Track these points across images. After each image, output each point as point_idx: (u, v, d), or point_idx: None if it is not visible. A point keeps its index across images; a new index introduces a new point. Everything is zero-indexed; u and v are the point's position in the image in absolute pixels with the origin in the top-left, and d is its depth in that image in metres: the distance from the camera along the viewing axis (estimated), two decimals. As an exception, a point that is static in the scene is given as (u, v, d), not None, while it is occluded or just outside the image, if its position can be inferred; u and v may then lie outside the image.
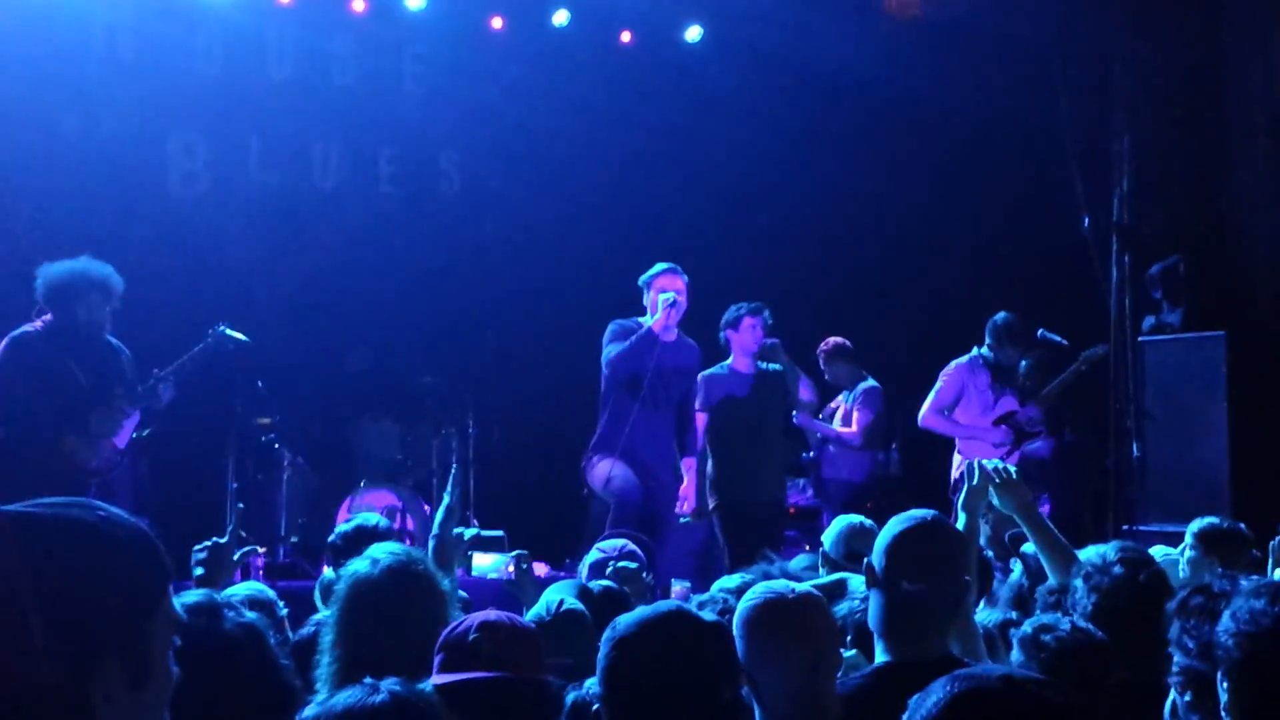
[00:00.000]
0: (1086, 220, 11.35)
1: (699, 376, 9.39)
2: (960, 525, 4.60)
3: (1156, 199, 11.32)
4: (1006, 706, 1.78)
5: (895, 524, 3.99)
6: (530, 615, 4.56)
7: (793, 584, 3.71)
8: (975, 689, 1.79)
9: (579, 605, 4.66)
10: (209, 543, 4.33)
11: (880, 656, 3.93)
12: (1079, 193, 11.37)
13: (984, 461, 5.00)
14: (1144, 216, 11.28)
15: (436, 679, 3.15)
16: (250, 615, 2.93)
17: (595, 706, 2.83)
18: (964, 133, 12.37)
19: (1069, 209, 11.49)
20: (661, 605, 3.09)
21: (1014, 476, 4.96)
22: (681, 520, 9.61)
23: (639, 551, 6.28)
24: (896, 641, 3.86)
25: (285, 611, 5.39)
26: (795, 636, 3.35)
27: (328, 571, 6.20)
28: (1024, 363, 10.65)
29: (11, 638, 1.67)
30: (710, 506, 9.40)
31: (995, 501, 5.01)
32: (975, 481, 4.88)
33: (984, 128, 12.20)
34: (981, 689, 1.79)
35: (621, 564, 5.84)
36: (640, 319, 9.17)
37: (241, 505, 4.51)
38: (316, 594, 5.80)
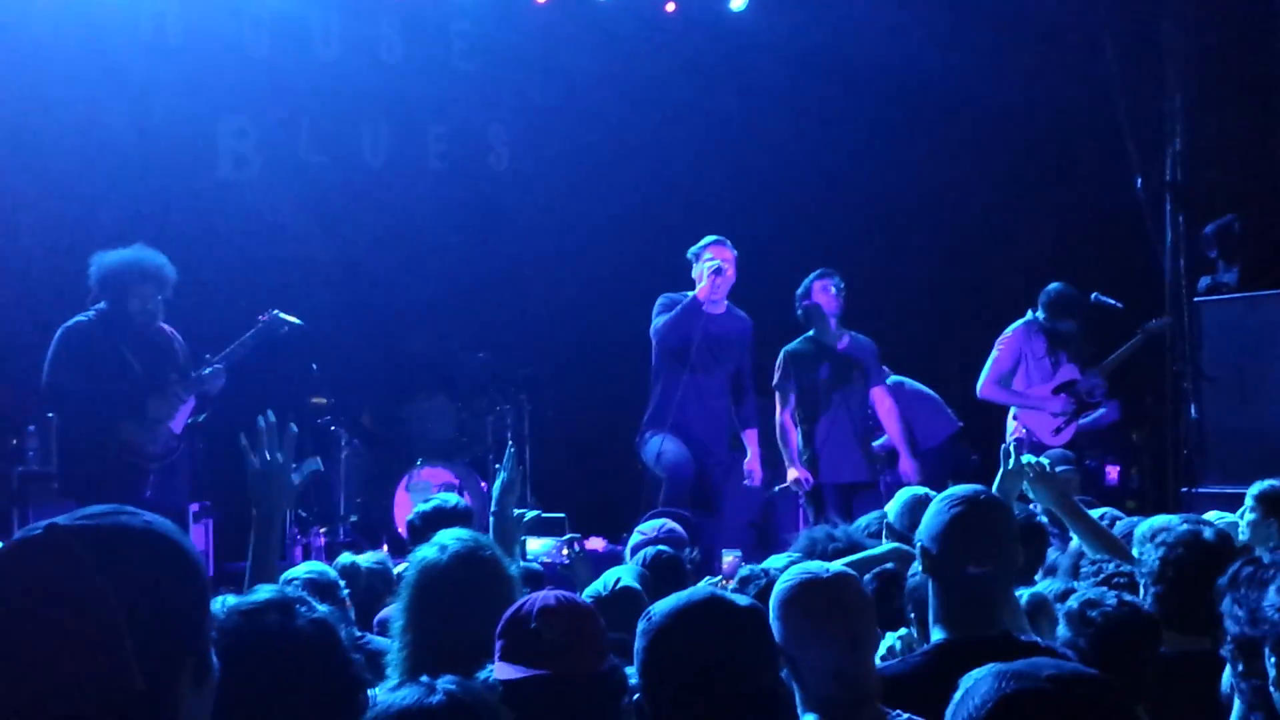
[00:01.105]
0: (1139, 180, 11.24)
1: (781, 352, 9.31)
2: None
3: (1210, 157, 11.20)
4: (1054, 710, 1.76)
5: (945, 505, 3.97)
6: (588, 592, 4.59)
7: (835, 564, 3.73)
8: (1023, 691, 1.77)
9: (636, 585, 4.70)
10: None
11: (937, 635, 3.95)
12: (1131, 152, 11.25)
13: (1025, 456, 5.01)
14: (1198, 175, 11.16)
15: (499, 671, 3.17)
16: (322, 609, 2.93)
17: (636, 696, 2.83)
18: (1014, 95, 12.25)
19: (1121, 169, 11.38)
20: (696, 592, 3.08)
21: (1048, 470, 4.96)
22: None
23: (679, 529, 6.30)
24: (958, 624, 3.87)
25: (346, 592, 5.44)
26: (832, 615, 3.35)
27: (344, 556, 6.22)
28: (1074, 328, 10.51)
29: (103, 652, 1.69)
30: (807, 487, 9.22)
31: (1030, 494, 5.02)
32: (1012, 465, 4.89)
33: (1034, 88, 12.08)
34: (1029, 691, 1.77)
35: (659, 549, 5.81)
36: (689, 292, 9.17)
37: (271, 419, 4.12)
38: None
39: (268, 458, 4.11)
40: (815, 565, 3.64)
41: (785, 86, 12.59)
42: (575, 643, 3.19)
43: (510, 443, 6.08)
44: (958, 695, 2.84)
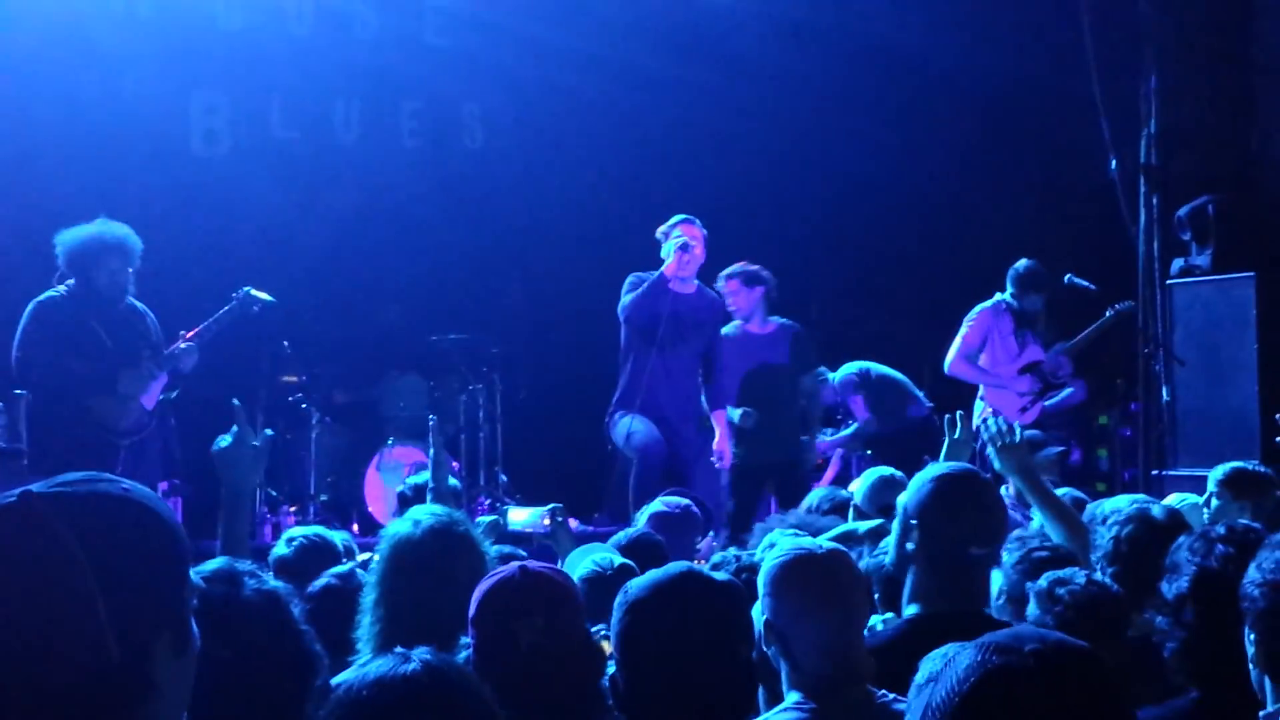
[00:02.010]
0: (1114, 162, 11.27)
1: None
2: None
3: (1185, 140, 11.22)
4: (1039, 683, 1.72)
5: (942, 484, 3.99)
6: (586, 571, 4.56)
7: (821, 540, 3.73)
8: (1008, 666, 1.73)
9: (630, 562, 4.71)
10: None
11: (910, 609, 3.97)
12: (1106, 134, 11.27)
13: (988, 420, 5.03)
14: (1172, 157, 11.18)
15: (474, 661, 3.12)
16: (273, 583, 2.91)
17: (611, 672, 2.82)
18: (989, 75, 12.26)
19: (1096, 151, 11.40)
20: (672, 567, 3.06)
21: (1018, 438, 4.97)
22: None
23: (697, 514, 6.33)
24: (941, 601, 3.90)
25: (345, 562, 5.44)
26: (825, 591, 3.34)
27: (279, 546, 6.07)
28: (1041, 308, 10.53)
29: (77, 621, 1.67)
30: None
31: (995, 464, 5.04)
32: (959, 434, 4.98)
33: (1010, 68, 12.09)
34: (1014, 666, 1.73)
35: (642, 531, 5.81)
36: (656, 271, 9.15)
37: (236, 402, 4.22)
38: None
39: (236, 436, 4.10)
40: (809, 541, 3.64)
41: (763, 62, 12.56)
42: (554, 636, 3.11)
43: (432, 417, 6.05)
44: (928, 670, 2.84)
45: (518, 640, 3.07)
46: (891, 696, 3.39)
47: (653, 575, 2.92)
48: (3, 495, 1.74)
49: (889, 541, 4.17)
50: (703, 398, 9.32)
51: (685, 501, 6.44)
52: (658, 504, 6.39)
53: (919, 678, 2.84)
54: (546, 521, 6.21)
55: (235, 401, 4.22)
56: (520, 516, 6.25)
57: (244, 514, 4.17)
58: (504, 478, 10.99)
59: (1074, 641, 1.81)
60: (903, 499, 4.62)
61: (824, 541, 3.67)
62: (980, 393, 10.12)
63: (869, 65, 12.43)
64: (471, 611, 3.19)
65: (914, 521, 3.96)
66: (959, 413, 5.13)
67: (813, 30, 12.45)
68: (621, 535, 5.60)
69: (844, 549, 3.66)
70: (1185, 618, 2.96)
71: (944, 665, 1.81)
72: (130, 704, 1.72)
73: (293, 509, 10.58)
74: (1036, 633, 1.81)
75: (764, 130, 12.76)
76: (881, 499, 5.84)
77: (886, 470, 6.25)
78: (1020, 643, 1.77)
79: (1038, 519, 5.96)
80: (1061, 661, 1.76)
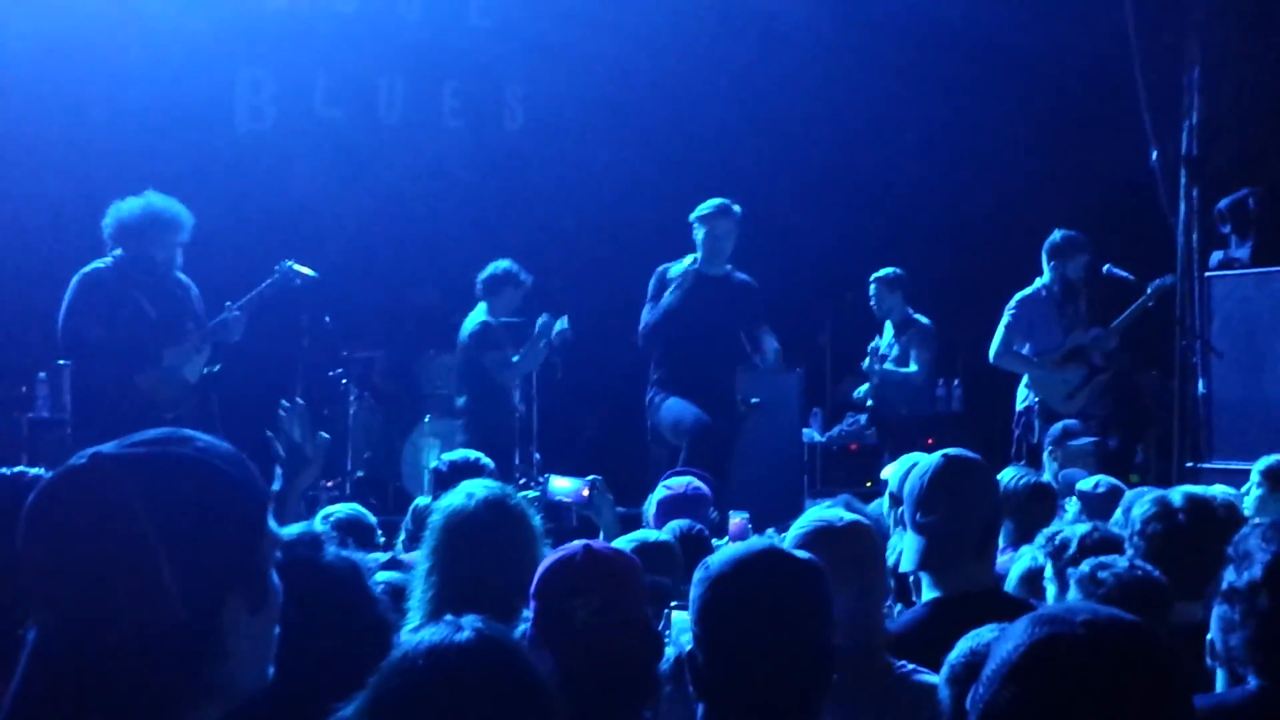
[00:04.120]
0: (1155, 153, 11.22)
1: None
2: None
3: (1227, 131, 11.16)
4: (1090, 655, 1.73)
5: (920, 466, 4.18)
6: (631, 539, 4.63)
7: (841, 512, 3.77)
8: (1057, 635, 1.75)
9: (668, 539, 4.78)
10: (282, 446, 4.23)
11: (928, 594, 4.04)
12: (1147, 125, 11.22)
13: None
14: (1213, 149, 11.12)
15: (531, 636, 3.17)
16: (346, 551, 2.96)
17: (689, 648, 2.83)
18: (1031, 63, 12.23)
19: (1137, 141, 11.35)
20: (755, 543, 3.09)
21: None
22: None
23: (705, 488, 6.28)
24: (936, 577, 3.99)
25: (383, 539, 5.52)
26: (844, 564, 3.35)
27: (420, 499, 6.27)
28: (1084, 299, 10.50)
29: (142, 581, 1.69)
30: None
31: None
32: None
33: (1052, 59, 12.07)
34: (1064, 635, 1.74)
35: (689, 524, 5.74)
36: (683, 260, 9.19)
37: (300, 401, 4.36)
38: (408, 519, 5.89)
39: (296, 442, 4.22)
40: (830, 513, 3.68)
41: (806, 38, 12.54)
42: (610, 618, 3.15)
43: (296, 401, 5.97)
44: (969, 646, 2.88)
45: (573, 617, 3.11)
46: (911, 667, 3.43)
47: (734, 550, 2.93)
48: (76, 456, 1.76)
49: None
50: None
51: (687, 479, 6.34)
52: (660, 489, 6.26)
53: (953, 655, 2.89)
54: (586, 493, 6.20)
55: (299, 401, 4.33)
56: (563, 485, 6.26)
57: (290, 509, 4.23)
58: (538, 456, 11.03)
59: (1126, 615, 1.81)
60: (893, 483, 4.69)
61: (845, 514, 3.71)
62: (1024, 380, 10.08)
63: (912, 52, 12.41)
64: (533, 585, 3.24)
65: (902, 507, 4.05)
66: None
67: (859, 12, 12.43)
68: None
69: (866, 521, 3.70)
70: (1259, 606, 2.92)
71: (996, 640, 1.83)
72: (199, 661, 1.74)
73: (329, 484, 10.65)
74: (1088, 606, 1.83)
75: (808, 111, 12.75)
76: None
77: (920, 456, 6.16)
78: (1072, 615, 1.78)
79: (1073, 508, 5.99)
80: (1115, 633, 1.77)
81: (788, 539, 3.50)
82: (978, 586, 3.98)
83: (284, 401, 4.28)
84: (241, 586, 1.78)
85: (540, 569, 3.26)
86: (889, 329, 11.01)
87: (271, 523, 1.86)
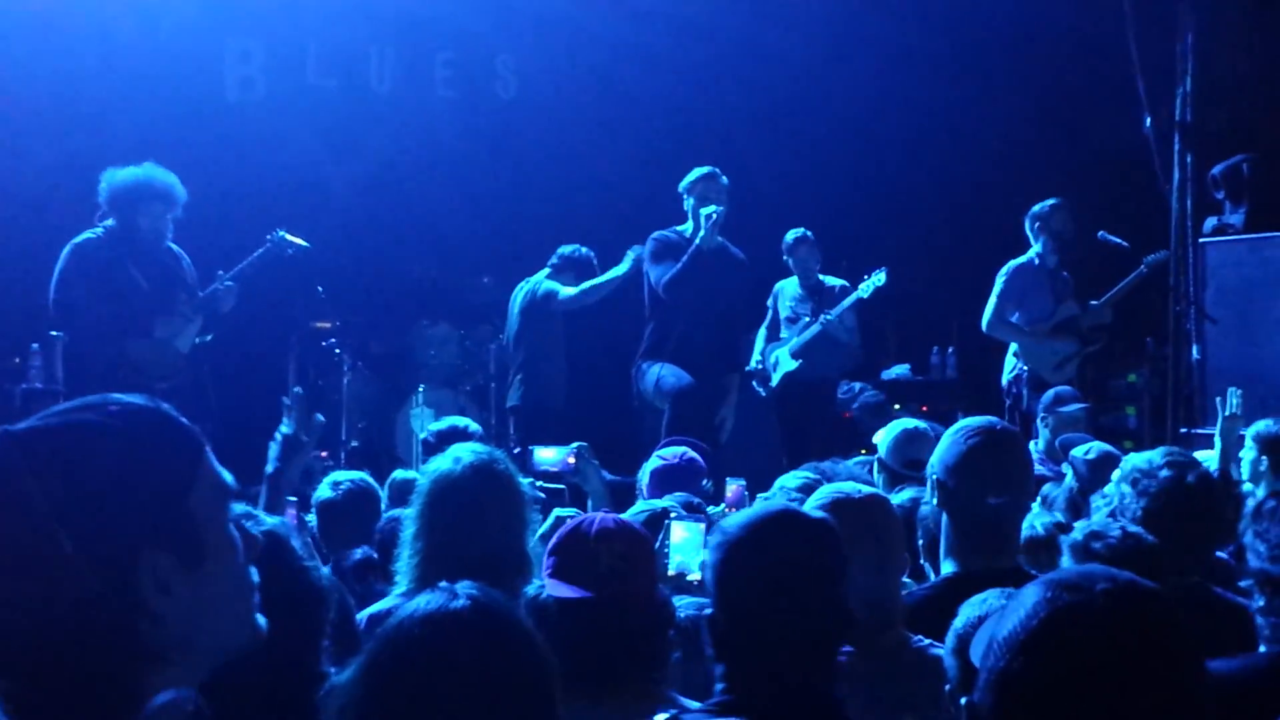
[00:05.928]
0: (1148, 119, 11.20)
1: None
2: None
3: (1220, 98, 11.15)
4: (1111, 625, 1.70)
5: (961, 436, 3.96)
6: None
7: (859, 484, 3.76)
8: (1076, 604, 1.71)
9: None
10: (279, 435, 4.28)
11: (948, 567, 3.97)
12: (1141, 91, 11.20)
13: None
14: (1207, 115, 11.12)
15: (551, 588, 3.21)
16: (270, 521, 2.93)
17: (708, 610, 2.85)
18: (1024, 31, 12.18)
19: (1131, 108, 11.33)
20: (770, 505, 3.10)
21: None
22: None
23: (699, 459, 6.24)
24: (973, 555, 3.89)
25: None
26: (862, 536, 3.37)
27: (397, 472, 6.30)
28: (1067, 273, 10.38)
29: (44, 558, 1.65)
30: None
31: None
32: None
33: (1045, 26, 12.02)
34: (1082, 605, 1.70)
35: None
36: (679, 228, 9.15)
37: (299, 390, 4.47)
38: (385, 493, 5.90)
39: (293, 431, 4.28)
40: (848, 486, 3.67)
41: (798, 9, 12.50)
42: (632, 567, 3.22)
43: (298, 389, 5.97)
44: (975, 614, 2.86)
45: (599, 558, 3.18)
46: (927, 642, 3.42)
47: (749, 513, 2.95)
48: None
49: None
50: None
51: (681, 449, 6.27)
52: (654, 460, 6.17)
53: (958, 622, 2.88)
54: (571, 460, 6.16)
55: (298, 390, 4.41)
56: (548, 455, 6.21)
57: (282, 490, 4.27)
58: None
59: (1144, 582, 1.78)
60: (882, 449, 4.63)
61: (863, 486, 3.70)
62: (1013, 349, 10.06)
63: (905, 21, 12.37)
64: (555, 539, 3.30)
65: (934, 476, 3.97)
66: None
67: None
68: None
69: (883, 494, 3.69)
70: None
71: (1007, 608, 1.79)
72: (125, 627, 1.68)
73: (324, 454, 10.63)
74: (1107, 572, 1.77)
75: (801, 81, 12.71)
76: (905, 454, 5.70)
77: (910, 423, 6.01)
78: (1091, 581, 1.74)
79: (1069, 475, 5.98)
80: (1133, 601, 1.73)
81: (805, 509, 3.49)
82: (1005, 564, 3.85)
83: (285, 398, 4.35)
84: (165, 543, 1.71)
85: (562, 528, 3.33)
86: (795, 286, 10.58)
87: (217, 474, 1.80)
